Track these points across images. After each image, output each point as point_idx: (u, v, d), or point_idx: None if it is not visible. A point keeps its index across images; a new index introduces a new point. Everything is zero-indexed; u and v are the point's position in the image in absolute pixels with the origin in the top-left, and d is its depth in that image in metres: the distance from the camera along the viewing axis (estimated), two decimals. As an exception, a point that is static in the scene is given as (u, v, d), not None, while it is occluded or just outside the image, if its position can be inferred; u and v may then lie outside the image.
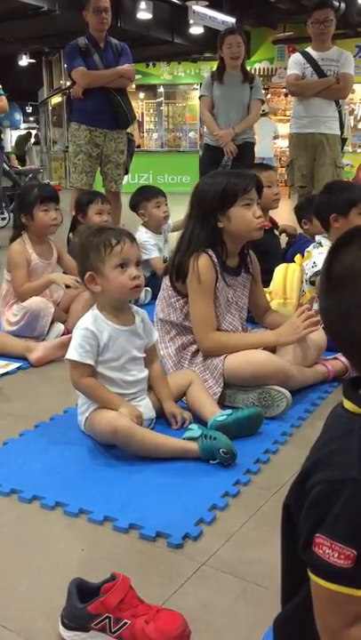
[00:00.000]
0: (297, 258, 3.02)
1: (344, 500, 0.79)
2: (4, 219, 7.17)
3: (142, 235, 3.74)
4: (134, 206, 3.85)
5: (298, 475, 0.89)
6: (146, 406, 1.96)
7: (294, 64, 4.58)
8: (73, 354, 1.87)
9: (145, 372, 1.99)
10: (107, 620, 1.12)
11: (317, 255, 2.83)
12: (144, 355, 2.00)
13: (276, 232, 3.49)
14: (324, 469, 0.83)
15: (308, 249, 3.00)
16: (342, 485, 0.80)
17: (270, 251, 3.32)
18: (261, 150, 11.97)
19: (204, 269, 2.13)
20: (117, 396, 1.89)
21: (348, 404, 0.87)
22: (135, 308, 2.02)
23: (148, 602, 1.16)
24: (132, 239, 1.93)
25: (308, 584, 0.86)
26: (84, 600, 1.14)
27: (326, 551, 0.81)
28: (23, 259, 2.90)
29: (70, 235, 3.64)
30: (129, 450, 1.79)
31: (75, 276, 2.82)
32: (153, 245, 3.75)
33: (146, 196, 3.80)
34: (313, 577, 0.84)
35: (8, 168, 7.64)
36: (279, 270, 3.02)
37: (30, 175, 8.21)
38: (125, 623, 1.11)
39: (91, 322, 1.90)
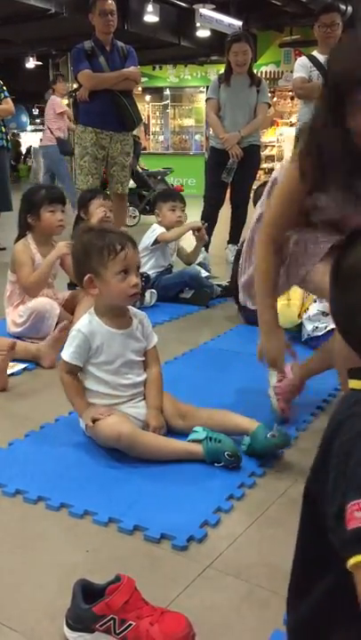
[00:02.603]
0: None
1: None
2: (135, 217, 7.57)
3: (155, 226, 3.84)
4: (153, 206, 3.96)
5: (315, 458, 0.89)
6: (145, 408, 1.95)
7: (301, 67, 4.59)
8: (65, 353, 1.92)
9: (142, 376, 1.97)
10: (111, 622, 1.12)
11: None
12: (142, 358, 1.98)
13: None
14: (336, 439, 0.82)
15: None
16: (356, 441, 0.77)
17: None
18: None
19: None
20: (84, 403, 1.90)
21: (354, 384, 0.87)
22: (134, 310, 2.01)
23: (153, 603, 1.16)
24: (134, 245, 1.92)
25: (325, 582, 0.82)
26: (88, 601, 1.14)
27: (359, 516, 0.73)
28: (27, 257, 2.92)
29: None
30: (133, 453, 1.79)
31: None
32: (159, 229, 3.81)
33: (163, 198, 3.94)
34: (355, 559, 0.74)
35: (141, 170, 7.85)
36: None
37: (159, 177, 8.22)
38: (130, 625, 1.11)
39: (85, 324, 1.91)
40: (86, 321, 1.92)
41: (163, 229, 3.79)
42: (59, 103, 7.79)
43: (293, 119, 12.66)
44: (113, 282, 1.86)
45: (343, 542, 0.77)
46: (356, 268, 0.86)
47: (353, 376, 0.88)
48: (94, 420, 1.82)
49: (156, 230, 3.79)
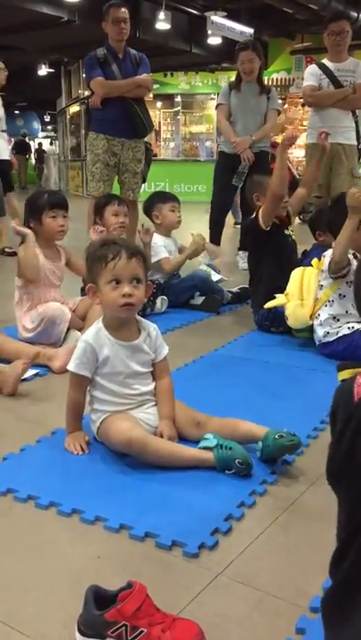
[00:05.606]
0: (314, 261, 3.04)
1: None
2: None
3: (157, 240, 3.79)
4: (148, 208, 3.90)
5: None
6: (155, 414, 1.95)
7: (310, 75, 4.60)
8: (71, 364, 1.93)
9: (150, 386, 1.97)
10: (123, 628, 1.12)
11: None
12: (150, 369, 1.98)
13: (289, 231, 3.46)
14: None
15: (324, 253, 3.00)
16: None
17: (291, 258, 3.36)
18: None
19: None
20: (73, 426, 1.96)
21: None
22: (143, 322, 2.00)
23: (164, 610, 1.16)
24: (133, 255, 1.88)
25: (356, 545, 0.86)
26: (100, 607, 1.14)
27: None
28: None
29: None
30: (143, 459, 1.79)
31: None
32: (161, 247, 3.78)
33: (162, 199, 3.90)
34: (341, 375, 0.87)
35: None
36: (296, 273, 3.03)
37: None
38: (142, 631, 1.12)
39: (92, 335, 1.92)
40: (93, 331, 1.93)
41: (166, 253, 3.79)
42: None
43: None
44: (104, 291, 1.89)
45: None
46: None
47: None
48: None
49: (158, 248, 3.77)
